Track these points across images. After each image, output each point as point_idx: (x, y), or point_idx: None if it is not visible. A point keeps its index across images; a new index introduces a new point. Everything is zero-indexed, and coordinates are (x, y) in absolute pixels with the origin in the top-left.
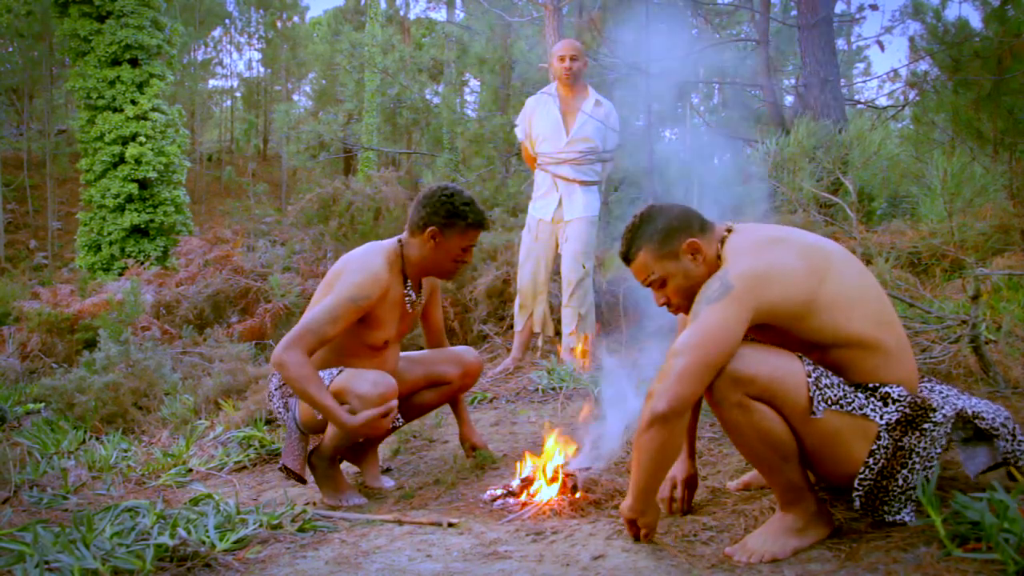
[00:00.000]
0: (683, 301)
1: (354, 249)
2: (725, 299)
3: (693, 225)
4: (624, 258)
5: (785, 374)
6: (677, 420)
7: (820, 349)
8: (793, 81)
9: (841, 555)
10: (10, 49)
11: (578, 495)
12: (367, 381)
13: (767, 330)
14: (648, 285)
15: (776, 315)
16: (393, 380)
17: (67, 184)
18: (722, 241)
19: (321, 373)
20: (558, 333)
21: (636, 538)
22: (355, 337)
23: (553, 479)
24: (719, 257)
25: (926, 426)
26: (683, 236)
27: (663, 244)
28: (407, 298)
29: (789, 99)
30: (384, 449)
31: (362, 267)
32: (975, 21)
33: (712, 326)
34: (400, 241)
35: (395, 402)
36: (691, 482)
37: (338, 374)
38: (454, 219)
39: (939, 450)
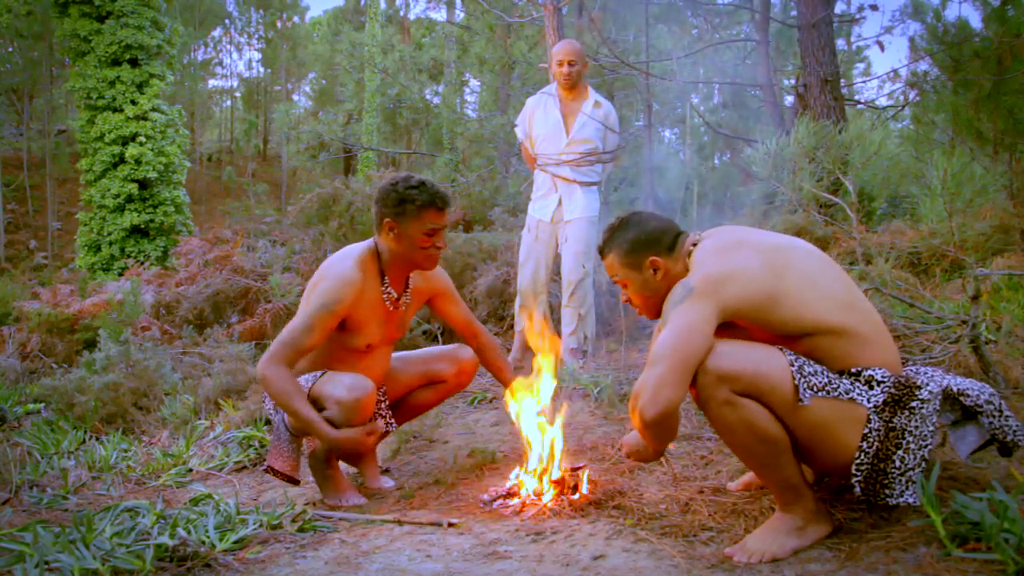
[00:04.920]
0: (642, 305)
1: (332, 255)
2: (689, 299)
3: (662, 243)
4: (599, 252)
5: (769, 367)
6: (668, 419)
7: (789, 340)
8: (793, 81)
9: (841, 555)
10: (10, 49)
11: (577, 495)
12: (343, 386)
13: (735, 328)
14: (614, 283)
15: (741, 312)
16: (371, 383)
17: (67, 184)
18: (689, 254)
19: (305, 377)
20: (558, 333)
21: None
22: (337, 342)
23: (554, 481)
24: (687, 268)
25: (913, 404)
26: (648, 252)
27: (628, 254)
28: (386, 296)
29: (789, 99)
30: (384, 449)
31: (333, 273)
32: (975, 21)
33: (682, 328)
34: (375, 241)
35: (380, 423)
36: None
37: (321, 376)
38: (403, 204)
39: (931, 428)
